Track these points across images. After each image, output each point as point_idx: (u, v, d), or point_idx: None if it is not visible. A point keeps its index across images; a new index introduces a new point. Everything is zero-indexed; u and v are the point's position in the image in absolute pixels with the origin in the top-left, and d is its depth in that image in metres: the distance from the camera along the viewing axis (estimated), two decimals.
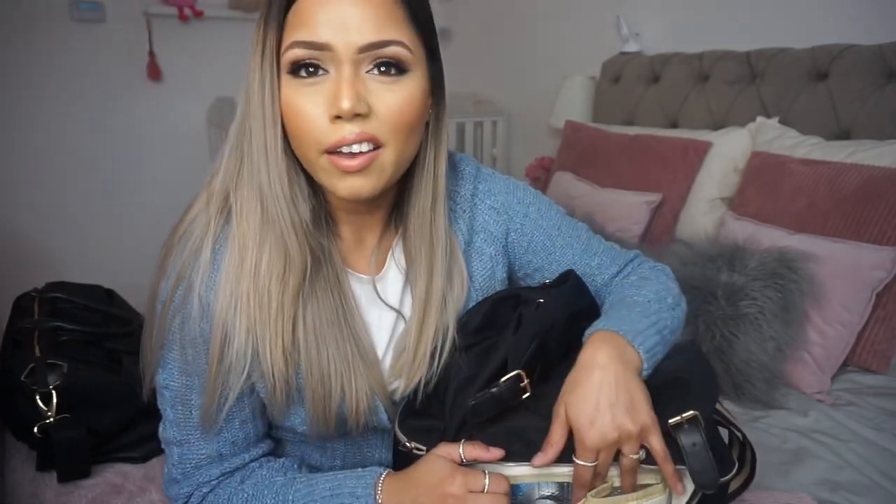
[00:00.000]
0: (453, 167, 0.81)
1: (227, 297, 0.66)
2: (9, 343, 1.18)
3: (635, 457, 0.63)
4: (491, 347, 0.72)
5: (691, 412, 0.64)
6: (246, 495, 0.71)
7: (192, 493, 0.73)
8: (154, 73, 2.54)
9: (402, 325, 0.76)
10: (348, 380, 0.70)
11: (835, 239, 1.38)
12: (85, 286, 1.38)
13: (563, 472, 0.67)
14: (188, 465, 0.73)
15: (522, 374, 0.67)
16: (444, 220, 0.74)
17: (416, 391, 0.74)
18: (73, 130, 2.47)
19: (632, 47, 2.31)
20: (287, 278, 0.66)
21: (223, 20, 2.62)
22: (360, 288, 0.76)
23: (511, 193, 0.82)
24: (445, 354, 0.74)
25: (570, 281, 0.77)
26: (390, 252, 0.77)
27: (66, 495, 0.99)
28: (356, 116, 0.60)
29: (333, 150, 0.61)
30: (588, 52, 2.51)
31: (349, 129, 0.60)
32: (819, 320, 1.32)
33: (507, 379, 0.66)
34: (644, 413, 0.63)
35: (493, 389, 0.66)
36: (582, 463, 0.63)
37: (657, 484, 0.66)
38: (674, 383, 0.68)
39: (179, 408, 0.71)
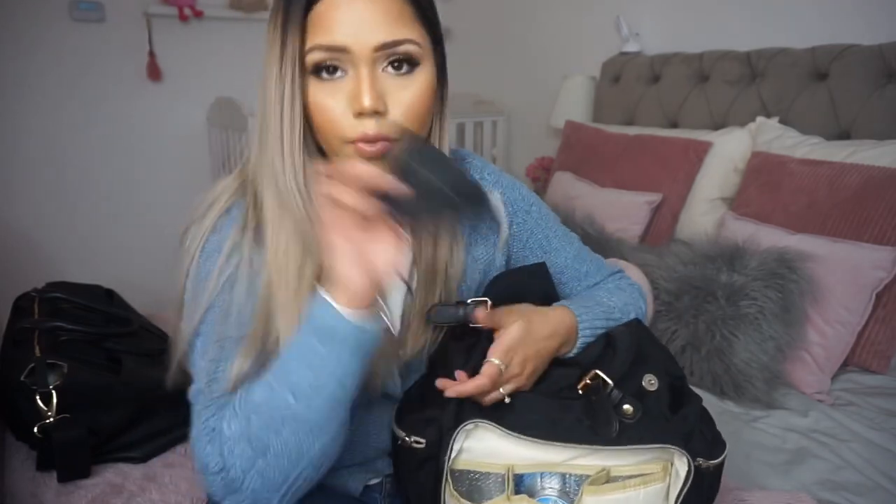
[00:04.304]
0: (460, 160, 0.86)
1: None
2: (9, 343, 1.18)
3: (495, 375, 0.71)
4: (479, 342, 0.76)
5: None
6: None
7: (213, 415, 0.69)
8: (154, 73, 2.54)
9: (409, 298, 0.80)
10: None
11: (835, 239, 1.38)
12: (85, 286, 1.38)
13: (563, 461, 0.69)
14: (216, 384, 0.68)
15: (489, 302, 0.76)
16: None
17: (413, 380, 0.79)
18: (73, 130, 2.46)
19: (632, 47, 2.31)
20: (304, 270, 0.69)
21: (223, 20, 2.62)
22: None
23: (516, 190, 0.88)
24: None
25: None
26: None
27: (66, 495, 0.99)
28: (375, 113, 0.65)
29: (355, 141, 0.67)
30: (588, 52, 2.51)
31: (370, 125, 0.66)
32: (819, 320, 1.33)
33: (474, 301, 0.76)
34: (533, 379, 0.76)
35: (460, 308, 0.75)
36: (495, 361, 0.72)
37: (657, 472, 0.67)
38: None
39: (212, 333, 0.69)
